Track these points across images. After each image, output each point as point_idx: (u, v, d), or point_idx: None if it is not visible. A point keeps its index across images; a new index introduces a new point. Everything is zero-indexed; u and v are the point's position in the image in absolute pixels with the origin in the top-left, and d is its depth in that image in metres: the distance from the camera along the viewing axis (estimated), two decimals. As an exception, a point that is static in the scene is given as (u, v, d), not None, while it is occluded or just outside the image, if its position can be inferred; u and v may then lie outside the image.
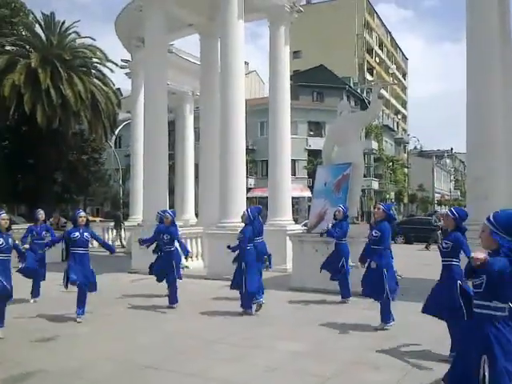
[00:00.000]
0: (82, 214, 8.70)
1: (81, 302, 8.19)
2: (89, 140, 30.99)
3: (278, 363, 5.96)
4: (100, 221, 29.83)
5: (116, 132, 32.99)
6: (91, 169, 32.53)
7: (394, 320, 7.49)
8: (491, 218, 3.61)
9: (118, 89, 33.40)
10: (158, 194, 14.40)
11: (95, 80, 28.32)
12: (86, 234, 8.40)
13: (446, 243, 6.04)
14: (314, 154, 40.76)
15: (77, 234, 8.30)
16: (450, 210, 6.29)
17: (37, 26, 28.07)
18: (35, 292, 9.92)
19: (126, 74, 22.84)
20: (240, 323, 8.10)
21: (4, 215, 7.40)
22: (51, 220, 18.42)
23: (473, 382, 3.44)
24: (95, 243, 17.58)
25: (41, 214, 10.57)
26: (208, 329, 7.76)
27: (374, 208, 7.94)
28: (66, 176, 30.08)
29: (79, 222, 8.43)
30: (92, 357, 6.28)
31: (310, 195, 20.84)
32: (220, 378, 5.45)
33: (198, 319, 8.39)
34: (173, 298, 9.20)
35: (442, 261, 6.09)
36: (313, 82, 48.58)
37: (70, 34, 28.10)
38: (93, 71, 28.63)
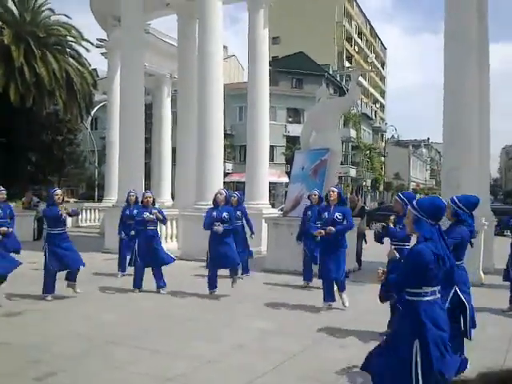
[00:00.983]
0: (59, 191, 8.42)
1: (48, 282, 8.04)
2: (64, 120, 30.36)
3: (246, 341, 6.01)
4: (75, 202, 29.41)
5: (92, 113, 32.48)
6: (66, 149, 31.95)
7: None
8: (415, 205, 3.69)
9: (94, 69, 32.75)
10: (133, 175, 14.24)
11: (70, 59, 27.74)
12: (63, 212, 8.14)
13: (400, 228, 6.24)
14: (293, 141, 40.77)
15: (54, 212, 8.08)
16: (398, 195, 6.42)
17: (9, 0, 27.26)
18: None
19: (102, 53, 22.40)
20: (211, 303, 8.14)
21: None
22: (23, 199, 18.10)
23: (405, 369, 3.48)
24: (69, 223, 17.34)
25: (1, 192, 10.23)
26: (179, 308, 7.77)
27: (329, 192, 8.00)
28: (40, 156, 29.52)
29: (55, 200, 8.19)
30: (58, 332, 6.26)
31: (287, 181, 20.88)
32: (188, 355, 5.47)
33: (170, 299, 8.39)
34: (161, 280, 8.97)
35: (393, 243, 6.26)
36: (292, 69, 48.46)
37: (44, 10, 27.41)
38: (68, 50, 28.02)
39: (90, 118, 34.67)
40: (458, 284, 4.85)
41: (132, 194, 10.66)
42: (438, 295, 3.61)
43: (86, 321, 6.89)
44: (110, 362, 5.22)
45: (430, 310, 3.50)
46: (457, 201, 5.26)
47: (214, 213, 8.50)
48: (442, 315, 3.58)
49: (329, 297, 7.73)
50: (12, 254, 8.50)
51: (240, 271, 9.55)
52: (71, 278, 8.28)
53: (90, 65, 29.20)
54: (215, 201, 8.65)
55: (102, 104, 32.48)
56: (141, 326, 6.66)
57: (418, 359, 3.44)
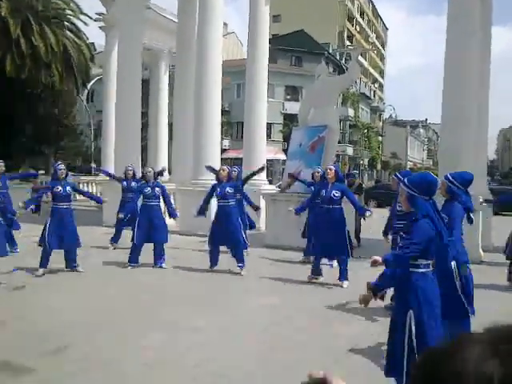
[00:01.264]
0: (62, 166, 8.34)
1: (44, 257, 7.98)
2: (60, 93, 30.05)
3: (251, 316, 6.06)
4: (72, 175, 29.27)
5: (88, 86, 32.13)
6: (62, 122, 31.69)
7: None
8: (406, 182, 3.74)
9: (92, 43, 32.35)
10: (129, 150, 14.17)
11: (68, 32, 27.37)
12: (67, 187, 8.13)
13: (399, 206, 6.23)
14: (290, 118, 40.54)
15: (59, 187, 7.99)
16: (395, 174, 6.46)
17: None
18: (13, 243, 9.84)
19: (101, 27, 22.06)
20: (212, 278, 8.17)
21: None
22: (32, 186, 18.01)
23: (401, 337, 3.61)
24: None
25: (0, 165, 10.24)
26: (180, 283, 7.81)
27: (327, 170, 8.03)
28: (36, 129, 29.27)
29: (59, 174, 8.11)
30: (63, 306, 6.28)
31: (285, 158, 20.83)
32: (196, 330, 5.47)
33: (171, 274, 8.42)
34: (161, 259, 8.91)
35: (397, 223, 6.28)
36: (292, 47, 47.93)
37: (43, -17, 26.93)
38: (66, 24, 27.63)
39: (86, 92, 34.33)
40: (456, 259, 4.87)
41: (130, 168, 10.67)
42: (431, 268, 3.71)
43: (89, 295, 6.90)
44: (120, 336, 5.23)
45: (422, 282, 3.63)
46: (450, 178, 5.23)
47: (218, 189, 8.50)
48: (433, 288, 3.70)
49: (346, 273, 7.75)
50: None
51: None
52: (70, 264, 8.20)
53: (87, 38, 28.85)
54: (218, 177, 8.64)
55: (98, 77, 32.12)
56: (144, 300, 6.67)
57: (413, 328, 3.52)
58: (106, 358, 4.64)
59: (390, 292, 6.07)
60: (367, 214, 7.83)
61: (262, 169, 9.87)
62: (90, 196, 9.36)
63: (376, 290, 3.74)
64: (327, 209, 7.82)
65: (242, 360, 4.68)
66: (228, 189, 8.46)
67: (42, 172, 12.71)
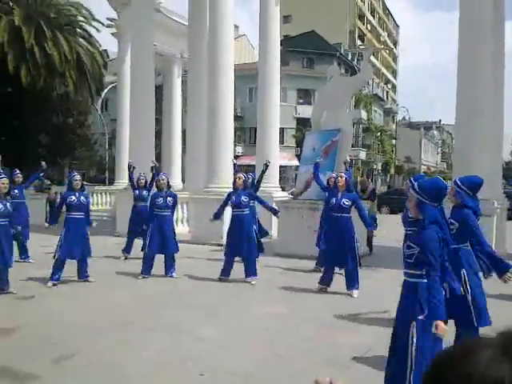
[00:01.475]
0: (78, 177, 8.42)
1: (56, 269, 8.00)
2: (75, 102, 30.37)
3: (260, 324, 6.05)
4: (86, 184, 29.55)
5: (102, 95, 32.41)
6: (77, 132, 32.02)
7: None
8: (416, 188, 3.70)
9: (105, 50, 32.61)
10: (143, 158, 14.20)
11: (81, 40, 27.63)
12: (82, 197, 8.19)
13: (411, 212, 6.19)
14: (303, 123, 40.42)
15: (73, 197, 8.09)
16: (409, 179, 6.40)
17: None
18: (23, 253, 9.98)
19: (113, 34, 22.22)
20: (223, 287, 8.16)
21: (4, 179, 7.32)
22: (48, 197, 18.21)
23: (403, 349, 3.58)
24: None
25: (18, 175, 10.54)
26: (191, 292, 7.82)
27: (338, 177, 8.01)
28: (51, 139, 29.61)
29: (74, 185, 8.20)
30: (72, 315, 6.34)
31: (298, 164, 20.74)
32: (203, 338, 5.50)
33: (181, 283, 8.44)
34: (171, 269, 8.90)
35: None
36: (303, 48, 47.80)
37: (54, -10, 27.26)
38: (78, 30, 27.90)
39: (100, 100, 34.63)
40: (464, 267, 4.79)
41: (142, 177, 10.72)
42: (438, 279, 3.66)
43: (98, 304, 6.96)
44: (125, 344, 5.28)
45: (428, 292, 3.58)
46: (459, 182, 5.11)
47: (233, 197, 8.49)
48: (442, 299, 3.64)
49: (355, 283, 7.69)
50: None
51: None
52: (82, 275, 8.26)
53: (100, 45, 29.09)
54: (234, 185, 8.64)
55: (112, 85, 32.39)
56: (153, 308, 6.71)
57: (414, 340, 3.48)
58: (109, 362, 4.69)
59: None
60: (371, 229, 8.07)
61: (266, 166, 9.69)
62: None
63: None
64: (336, 217, 7.78)
65: (246, 367, 4.68)
66: (243, 197, 8.44)
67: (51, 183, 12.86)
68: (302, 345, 5.34)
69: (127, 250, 10.63)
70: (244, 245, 8.37)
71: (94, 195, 22.95)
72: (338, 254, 7.66)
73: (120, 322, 6.02)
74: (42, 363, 4.68)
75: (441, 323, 3.55)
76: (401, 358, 3.60)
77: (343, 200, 7.67)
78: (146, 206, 10.02)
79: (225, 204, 8.74)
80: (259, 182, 9.62)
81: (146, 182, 10.74)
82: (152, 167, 10.35)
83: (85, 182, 10.13)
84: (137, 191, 10.77)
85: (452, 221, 4.88)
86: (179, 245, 9.15)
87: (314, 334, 5.74)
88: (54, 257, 8.06)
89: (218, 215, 8.79)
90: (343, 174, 7.96)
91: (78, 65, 26.17)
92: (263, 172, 9.62)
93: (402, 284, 3.88)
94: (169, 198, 8.94)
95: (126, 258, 10.54)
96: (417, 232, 3.82)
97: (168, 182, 9.21)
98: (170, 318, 6.30)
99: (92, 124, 35.85)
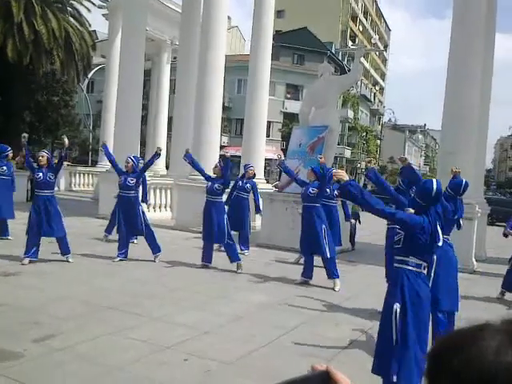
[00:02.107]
0: (43, 153, 8.29)
1: (29, 245, 7.92)
2: (60, 81, 29.83)
3: (242, 313, 6.05)
4: (68, 165, 29.18)
5: (89, 75, 31.93)
6: (61, 111, 31.47)
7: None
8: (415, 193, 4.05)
9: (94, 31, 32.10)
10: (128, 142, 14.10)
11: (70, 19, 27.12)
12: (49, 174, 8.03)
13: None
14: (290, 117, 40.48)
15: (40, 174, 7.97)
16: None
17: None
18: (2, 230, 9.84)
19: (104, 15, 21.99)
20: (205, 274, 8.16)
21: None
22: (17, 159, 17.95)
23: (388, 332, 3.69)
24: (62, 187, 17.29)
25: (10, 151, 10.37)
26: (173, 278, 7.78)
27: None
28: (35, 116, 29.08)
29: (38, 162, 8.09)
30: (54, 295, 6.27)
31: (283, 158, 20.78)
32: (185, 325, 5.49)
33: (164, 268, 8.39)
34: (155, 247, 8.88)
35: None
36: (294, 44, 47.81)
37: (46, -34, 26.66)
38: (69, 9, 27.39)
39: (86, 81, 34.15)
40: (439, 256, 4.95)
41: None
42: (423, 271, 3.83)
43: (80, 285, 6.88)
44: (106, 328, 5.22)
45: (412, 279, 3.73)
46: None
47: (209, 183, 8.54)
48: (424, 289, 3.79)
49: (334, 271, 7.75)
50: None
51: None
52: (62, 250, 8.17)
53: (90, 25, 28.62)
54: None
55: (99, 67, 31.97)
56: (135, 293, 6.66)
57: (398, 322, 3.56)
58: (94, 348, 4.64)
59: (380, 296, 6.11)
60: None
61: (158, 154, 9.47)
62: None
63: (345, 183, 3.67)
64: (304, 206, 7.92)
65: (229, 355, 4.68)
66: (216, 185, 8.48)
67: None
68: (285, 336, 5.36)
69: (109, 230, 10.50)
70: (215, 232, 8.38)
71: (77, 176, 22.77)
72: (311, 242, 7.72)
73: (101, 306, 5.96)
74: (24, 342, 4.61)
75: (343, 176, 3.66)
76: (387, 339, 3.68)
77: (310, 189, 7.78)
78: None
79: (203, 172, 8.80)
80: (147, 166, 9.34)
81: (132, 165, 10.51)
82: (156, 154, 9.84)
83: (66, 162, 9.97)
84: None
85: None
86: (162, 230, 9.11)
87: (296, 325, 5.76)
88: (27, 233, 7.97)
89: (190, 159, 8.89)
90: (310, 167, 8.32)
91: (66, 43, 25.69)
92: (154, 158, 9.37)
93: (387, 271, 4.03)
94: (129, 178, 8.74)
95: (107, 240, 10.42)
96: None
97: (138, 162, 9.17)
98: (154, 303, 6.27)
99: (77, 104, 35.31)
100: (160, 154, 9.08)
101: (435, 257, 4.97)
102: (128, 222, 8.69)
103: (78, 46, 26.38)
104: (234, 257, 8.44)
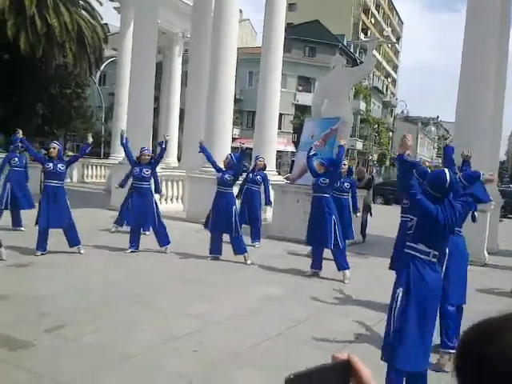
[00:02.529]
0: (54, 144, 8.31)
1: (41, 240, 7.96)
2: (73, 74, 29.97)
3: (251, 305, 6.07)
4: (72, 155, 29.33)
5: (101, 68, 32.05)
6: (73, 103, 31.64)
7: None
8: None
9: (106, 24, 32.17)
10: (140, 134, 14.12)
11: (83, 12, 27.23)
12: (60, 165, 8.06)
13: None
14: (302, 110, 40.34)
15: (50, 164, 8.00)
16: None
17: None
18: (16, 221, 9.93)
19: (116, 8, 21.99)
20: (216, 266, 8.18)
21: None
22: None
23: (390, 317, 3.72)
24: (74, 179, 17.42)
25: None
26: (183, 269, 7.82)
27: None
28: (48, 108, 29.26)
29: (49, 153, 8.13)
30: (65, 286, 6.33)
31: (294, 150, 20.76)
32: (195, 316, 5.52)
33: (174, 260, 8.43)
34: (164, 238, 8.88)
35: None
36: (306, 37, 47.55)
37: (59, -41, 26.72)
38: (81, 2, 27.50)
39: (98, 73, 34.27)
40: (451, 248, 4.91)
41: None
42: (433, 259, 3.76)
43: (91, 277, 6.93)
44: (117, 318, 5.27)
45: (420, 265, 3.70)
46: (459, 173, 5.27)
47: (220, 174, 8.54)
48: (432, 276, 3.73)
49: (344, 263, 7.73)
50: None
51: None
52: (71, 242, 8.16)
53: (101, 19, 28.71)
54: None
55: (111, 59, 32.06)
56: (145, 284, 6.70)
57: (398, 305, 3.57)
58: (104, 338, 4.68)
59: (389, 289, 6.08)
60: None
61: (166, 142, 9.47)
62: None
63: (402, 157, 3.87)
64: (314, 197, 7.91)
65: (238, 346, 4.70)
66: (227, 176, 8.48)
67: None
68: (293, 328, 5.37)
69: (119, 222, 10.55)
70: (223, 222, 8.38)
71: (89, 168, 22.93)
72: (318, 233, 7.68)
73: (111, 297, 6.00)
74: (35, 332, 4.66)
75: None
76: (389, 324, 3.72)
77: (320, 179, 7.72)
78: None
79: (215, 164, 8.79)
80: (161, 156, 9.47)
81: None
82: (162, 141, 9.88)
83: (70, 152, 10.01)
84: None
85: None
86: (174, 222, 9.14)
87: (306, 317, 5.76)
88: (36, 224, 8.01)
89: (204, 149, 9.02)
90: (345, 162, 8.32)
91: (79, 36, 25.79)
92: (163, 148, 9.32)
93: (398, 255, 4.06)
94: (144, 170, 8.79)
95: (115, 231, 10.48)
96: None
97: (151, 158, 9.14)
98: (164, 295, 6.30)
99: (89, 97, 35.46)
100: (167, 141, 9.13)
101: (447, 250, 4.94)
102: (142, 213, 8.71)
103: (90, 39, 26.48)
104: (238, 249, 8.43)
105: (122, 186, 9.80)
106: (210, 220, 8.65)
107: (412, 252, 3.77)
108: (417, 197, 3.73)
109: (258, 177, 10.20)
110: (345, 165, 8.37)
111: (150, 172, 8.84)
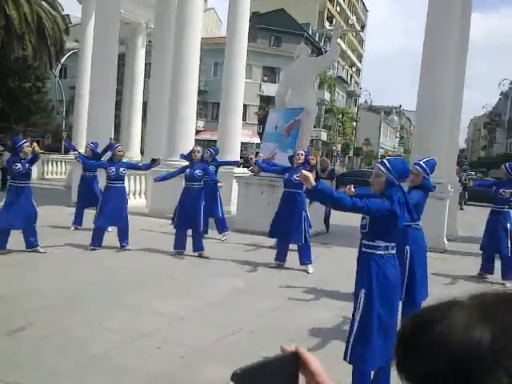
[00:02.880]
0: (28, 143, 8.11)
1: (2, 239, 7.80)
2: (32, 66, 29.17)
3: (218, 299, 6.08)
4: (41, 153, 28.65)
5: (62, 61, 31.30)
6: (33, 97, 30.82)
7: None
8: (388, 165, 3.73)
9: (67, 15, 31.40)
10: (102, 128, 13.88)
11: (43, 2, 26.48)
12: (27, 165, 7.89)
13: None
14: (267, 101, 40.30)
15: (18, 164, 7.77)
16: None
17: None
18: None
19: (76, -2, 21.41)
20: (181, 261, 8.15)
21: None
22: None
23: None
24: (34, 175, 16.98)
25: None
26: (148, 265, 7.76)
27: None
28: (6, 103, 28.44)
29: (23, 153, 7.88)
30: (27, 286, 6.18)
31: (259, 142, 20.75)
32: (160, 312, 5.49)
33: (139, 256, 8.35)
34: (125, 241, 8.77)
35: None
36: (271, 26, 47.42)
37: None
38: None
39: (59, 66, 33.45)
40: (411, 245, 5.02)
41: (88, 147, 10.73)
42: (392, 251, 3.77)
43: (54, 276, 6.80)
44: (82, 318, 5.20)
45: (381, 263, 3.69)
46: (423, 165, 5.43)
47: (188, 170, 8.42)
48: (391, 273, 3.74)
49: (308, 257, 7.80)
50: None
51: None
52: (28, 244, 7.96)
53: (62, 9, 27.98)
54: (191, 158, 8.55)
55: (72, 52, 31.31)
56: (110, 282, 6.61)
57: (361, 306, 3.61)
58: (68, 339, 4.62)
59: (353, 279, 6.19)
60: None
61: (236, 162, 9.63)
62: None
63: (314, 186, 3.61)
64: (287, 192, 7.90)
65: (203, 341, 4.70)
66: (198, 171, 8.39)
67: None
68: (259, 320, 5.41)
69: (77, 221, 10.39)
70: (190, 219, 8.34)
71: (49, 164, 22.37)
72: (287, 228, 7.73)
73: (74, 296, 5.91)
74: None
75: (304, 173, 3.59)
76: (353, 325, 3.73)
77: (294, 175, 7.74)
78: (95, 175, 10.28)
79: (177, 173, 8.68)
80: (220, 165, 9.63)
81: (92, 150, 10.55)
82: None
83: (40, 150, 9.76)
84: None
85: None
86: (137, 217, 9.03)
87: (271, 309, 5.81)
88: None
89: (161, 178, 8.78)
90: (302, 152, 8.09)
91: (39, 28, 25.10)
92: (229, 164, 9.40)
93: (358, 255, 4.02)
94: (121, 169, 8.71)
95: (75, 229, 10.32)
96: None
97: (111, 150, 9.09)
98: (128, 291, 6.24)
99: (49, 90, 34.59)
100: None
101: (407, 247, 5.02)
102: (113, 211, 8.58)
103: (51, 31, 25.81)
104: (197, 246, 8.40)
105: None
106: (176, 216, 8.58)
107: (370, 250, 3.74)
108: (369, 207, 3.61)
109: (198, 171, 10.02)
110: (302, 155, 8.00)
111: (126, 171, 8.78)
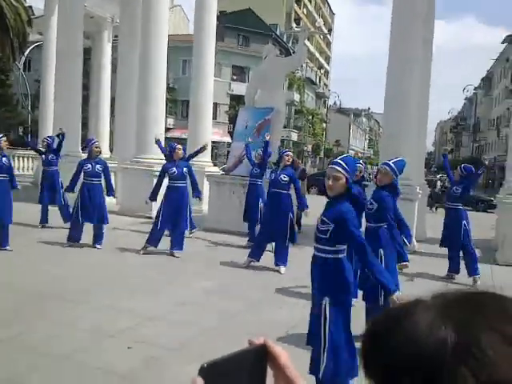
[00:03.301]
0: (4, 138, 8.09)
1: None
2: (-6, 59, 28.32)
3: (187, 298, 6.01)
4: (7, 148, 27.80)
5: (26, 53, 30.47)
6: (-3, 91, 29.96)
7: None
8: (345, 166, 3.69)
9: (30, 6, 30.58)
10: (70, 123, 13.54)
11: (4, -7, 25.70)
12: (4, 159, 7.87)
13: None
14: (237, 99, 40.23)
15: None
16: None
17: None
18: None
19: (40, -11, 20.88)
20: (152, 260, 8.03)
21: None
22: None
23: (319, 324, 3.65)
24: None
25: None
26: (119, 264, 7.63)
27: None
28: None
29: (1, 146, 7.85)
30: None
31: (230, 141, 20.69)
32: (130, 311, 5.39)
33: (110, 255, 8.20)
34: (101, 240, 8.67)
35: None
36: (239, 25, 47.35)
37: None
38: (2, -17, 25.92)
39: (23, 59, 32.55)
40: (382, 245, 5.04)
41: (45, 140, 10.70)
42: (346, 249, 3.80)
43: (20, 274, 6.61)
44: (48, 317, 5.05)
45: (341, 268, 3.69)
46: (393, 165, 5.31)
47: (174, 169, 8.23)
48: (350, 274, 3.76)
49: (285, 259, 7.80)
50: None
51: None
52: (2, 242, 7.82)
53: (25, 1, 27.23)
54: (172, 156, 8.37)
55: (36, 44, 30.50)
56: (79, 281, 6.48)
57: (327, 315, 3.57)
58: (37, 339, 4.48)
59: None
60: (306, 210, 8.07)
61: (203, 148, 9.46)
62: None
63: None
64: (273, 192, 7.87)
65: (174, 341, 4.64)
66: (184, 169, 8.27)
67: None
68: (229, 319, 5.35)
69: (43, 220, 10.12)
70: (173, 218, 8.24)
71: (15, 159, 21.76)
72: (271, 229, 7.71)
73: (45, 295, 5.75)
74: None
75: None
76: (318, 336, 3.65)
77: (281, 175, 7.75)
78: (56, 170, 10.14)
79: (160, 182, 8.48)
80: (191, 157, 9.31)
81: (48, 145, 10.34)
82: (59, 134, 10.19)
83: (7, 146, 9.45)
84: (43, 156, 10.36)
85: (372, 201, 5.15)
86: (108, 216, 8.87)
87: (240, 309, 5.77)
88: None
89: (154, 196, 8.54)
90: (289, 153, 8.24)
91: (0, 19, 24.37)
92: (198, 152, 9.27)
93: (312, 260, 3.85)
94: (98, 166, 8.57)
95: (42, 227, 10.06)
96: (332, 207, 3.71)
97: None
98: (99, 290, 6.11)
99: (13, 83, 33.63)
100: (64, 133, 9.86)
101: (381, 250, 5.02)
102: (91, 208, 8.44)
103: (13, 22, 25.07)
104: (176, 244, 8.30)
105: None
106: (160, 216, 8.34)
107: (331, 256, 3.68)
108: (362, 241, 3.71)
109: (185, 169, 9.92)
110: (288, 155, 8.07)
111: (103, 168, 8.66)
